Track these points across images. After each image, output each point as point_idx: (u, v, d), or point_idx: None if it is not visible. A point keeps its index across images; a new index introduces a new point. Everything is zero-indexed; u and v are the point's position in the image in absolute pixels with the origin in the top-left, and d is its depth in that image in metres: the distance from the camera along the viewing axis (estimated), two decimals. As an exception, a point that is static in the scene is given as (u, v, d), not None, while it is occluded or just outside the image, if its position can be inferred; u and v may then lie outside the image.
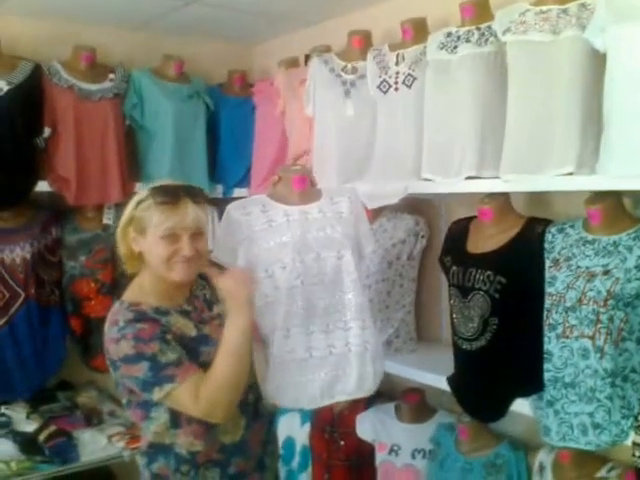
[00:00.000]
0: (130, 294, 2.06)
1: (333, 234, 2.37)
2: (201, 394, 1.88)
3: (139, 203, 2.02)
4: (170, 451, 2.04)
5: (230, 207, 2.41)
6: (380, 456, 2.77)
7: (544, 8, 2.18)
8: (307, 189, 2.47)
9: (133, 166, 3.42)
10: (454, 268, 2.41)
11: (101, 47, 3.36)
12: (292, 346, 2.29)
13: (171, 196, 1.98)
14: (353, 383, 2.35)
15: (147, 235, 2.00)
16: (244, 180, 3.58)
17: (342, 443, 2.89)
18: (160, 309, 2.01)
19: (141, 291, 2.06)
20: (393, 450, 2.72)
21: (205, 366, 1.94)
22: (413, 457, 2.68)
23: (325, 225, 2.38)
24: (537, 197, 2.53)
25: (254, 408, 2.18)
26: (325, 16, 3.38)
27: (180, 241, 1.98)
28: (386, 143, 2.72)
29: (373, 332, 2.40)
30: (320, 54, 3.01)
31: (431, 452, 2.64)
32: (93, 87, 3.25)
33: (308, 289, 2.31)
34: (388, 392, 2.94)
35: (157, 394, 1.89)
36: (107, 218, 3.33)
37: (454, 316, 2.38)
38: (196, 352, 1.99)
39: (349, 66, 2.90)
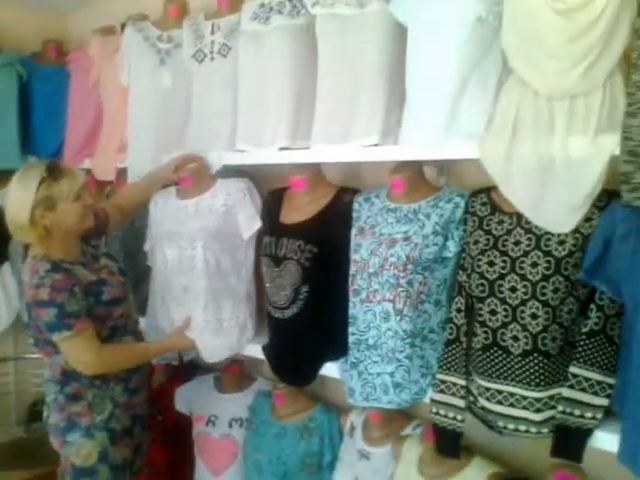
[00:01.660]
0: (39, 252, 2.25)
1: (193, 227, 2.50)
2: (102, 357, 2.24)
3: (39, 186, 2.17)
4: (82, 374, 2.27)
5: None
6: (197, 428, 2.71)
7: (350, -19, 2.18)
8: (193, 185, 2.58)
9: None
10: (267, 238, 2.38)
11: None
12: (163, 314, 2.64)
13: (59, 169, 2.23)
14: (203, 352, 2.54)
15: (58, 206, 2.20)
16: (59, 151, 3.39)
17: (160, 418, 2.80)
18: (66, 261, 2.25)
19: (48, 250, 2.24)
20: (210, 421, 2.67)
21: (108, 303, 2.29)
22: (230, 426, 2.65)
23: (193, 218, 2.53)
24: (349, 167, 2.54)
25: None
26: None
27: (82, 197, 2.25)
28: (202, 113, 2.64)
29: (209, 312, 2.49)
30: (135, 22, 2.87)
31: (248, 420, 2.62)
32: None
33: (172, 273, 2.54)
34: (209, 364, 2.88)
35: (56, 337, 2.18)
36: None
37: (267, 285, 2.35)
38: (100, 292, 2.28)
39: (165, 35, 2.79)
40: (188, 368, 2.88)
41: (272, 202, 2.49)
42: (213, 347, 2.52)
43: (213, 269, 2.48)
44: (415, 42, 1.97)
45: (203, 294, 2.48)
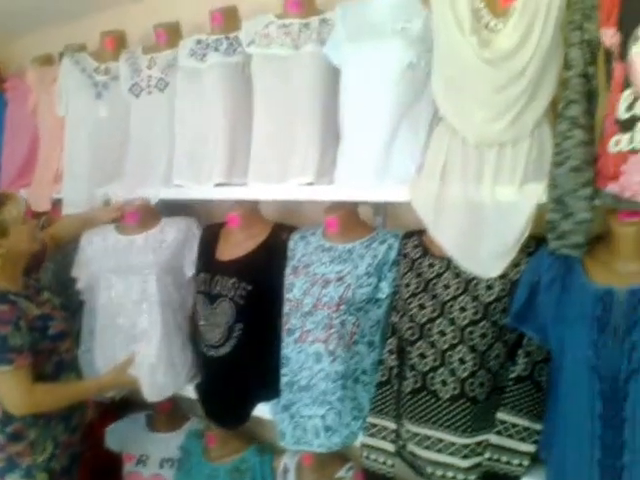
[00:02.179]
0: None
1: (145, 260, 2.44)
2: (31, 399, 2.14)
3: None
4: None
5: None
6: (128, 467, 2.64)
7: (287, 22, 2.18)
8: (139, 221, 2.53)
9: None
10: (202, 275, 2.35)
11: None
12: (103, 350, 2.51)
13: (3, 194, 2.26)
14: (147, 390, 2.41)
15: (10, 230, 2.17)
16: (-5, 179, 3.28)
17: (89, 455, 2.71)
18: (11, 292, 2.18)
19: None
20: (141, 460, 2.60)
21: (54, 338, 2.23)
22: (161, 466, 2.58)
23: (144, 252, 2.47)
24: (288, 203, 2.53)
25: None
26: (80, 13, 3.17)
27: (29, 220, 2.29)
28: (138, 147, 2.59)
29: (163, 348, 2.39)
30: (73, 53, 2.82)
31: (179, 461, 2.56)
32: None
33: (119, 308, 2.44)
34: (141, 401, 2.81)
35: None
36: None
37: (201, 323, 2.31)
38: (46, 327, 2.22)
39: (102, 67, 2.73)
40: (120, 405, 2.81)
41: (208, 238, 2.45)
42: (160, 385, 2.42)
43: (166, 304, 2.42)
44: (348, 85, 1.98)
45: (156, 329, 2.39)
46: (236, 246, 2.33)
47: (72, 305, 2.72)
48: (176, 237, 2.48)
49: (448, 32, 1.72)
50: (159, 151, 2.52)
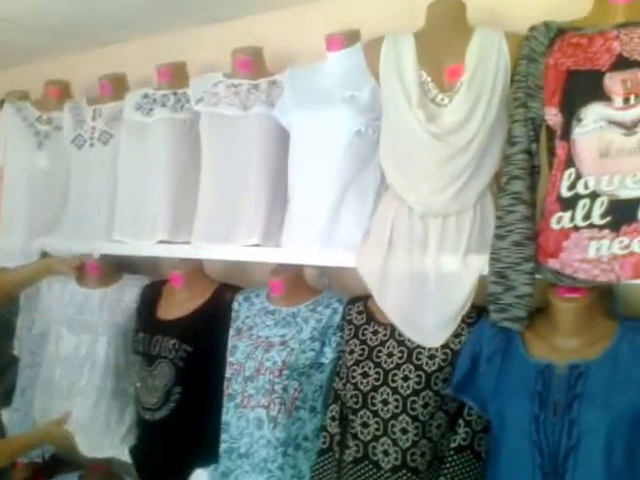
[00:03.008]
0: None
1: (100, 320, 2.43)
2: None
3: None
4: None
5: None
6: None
7: (236, 82, 2.22)
8: (99, 274, 2.54)
9: None
10: (140, 334, 2.32)
11: None
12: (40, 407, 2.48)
13: None
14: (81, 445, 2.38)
15: None
16: None
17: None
18: None
19: None
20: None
21: None
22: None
23: (100, 311, 2.46)
24: (232, 262, 2.53)
25: None
26: (24, 61, 3.17)
27: None
28: (79, 200, 2.58)
29: (99, 409, 2.38)
30: (14, 101, 2.81)
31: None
32: None
33: (64, 363, 2.42)
34: (75, 461, 2.74)
35: None
36: None
37: (138, 385, 2.27)
38: None
39: (44, 116, 2.73)
40: (51, 464, 2.74)
41: (149, 296, 2.44)
42: (94, 445, 2.40)
43: (112, 367, 2.41)
44: (297, 150, 2.02)
45: (95, 391, 2.38)
46: (178, 306, 2.32)
47: (5, 360, 2.68)
48: (133, 297, 2.47)
49: (396, 104, 1.77)
50: (100, 205, 2.52)
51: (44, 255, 2.61)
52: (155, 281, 2.50)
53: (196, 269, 2.37)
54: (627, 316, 1.71)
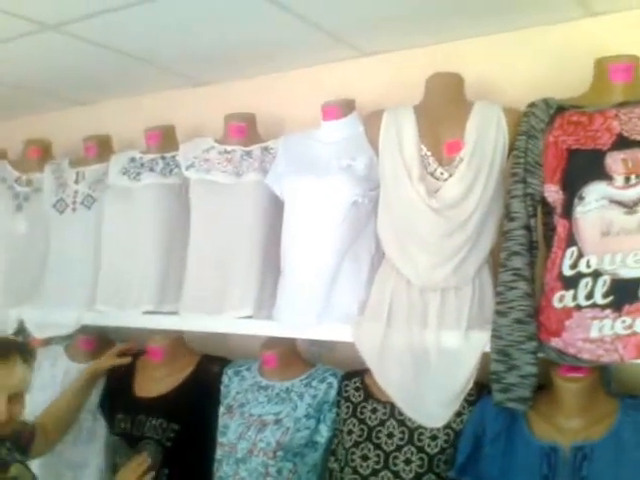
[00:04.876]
0: None
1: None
2: None
3: None
4: None
5: None
6: None
7: (228, 148, 2.31)
8: (93, 349, 2.58)
9: None
10: (120, 415, 2.32)
11: None
12: None
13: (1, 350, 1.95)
14: None
15: None
16: None
17: None
18: None
19: None
20: None
21: None
22: None
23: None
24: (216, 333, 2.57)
25: None
26: (1, 116, 3.24)
27: None
28: (60, 267, 2.62)
29: None
30: (-8, 161, 2.87)
31: None
32: None
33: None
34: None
35: None
36: None
37: (121, 470, 2.26)
38: None
39: (24, 177, 2.79)
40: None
41: (122, 371, 2.44)
42: None
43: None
44: (291, 219, 2.10)
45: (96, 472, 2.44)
46: (158, 381, 2.35)
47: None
48: None
49: (397, 177, 1.87)
50: (82, 272, 2.56)
51: (21, 325, 2.63)
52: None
53: (177, 340, 2.40)
54: (624, 394, 1.79)
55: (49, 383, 2.51)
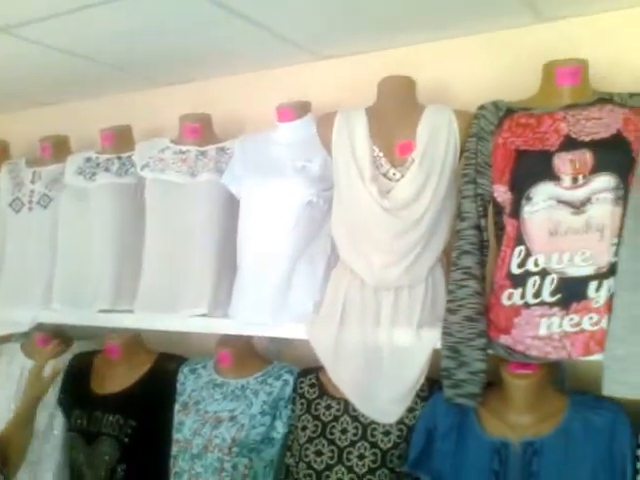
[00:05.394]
0: None
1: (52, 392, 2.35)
2: None
3: None
4: None
5: None
6: None
7: (183, 148, 2.24)
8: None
9: None
10: (76, 411, 2.27)
11: None
12: None
13: None
14: None
15: None
16: None
17: None
18: None
19: None
20: None
21: None
22: None
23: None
24: (173, 331, 2.51)
25: None
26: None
27: None
28: (15, 266, 2.53)
29: None
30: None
31: None
32: None
33: None
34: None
35: None
36: None
37: (77, 465, 2.22)
38: None
39: (-21, 177, 2.69)
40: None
41: (79, 368, 2.39)
42: None
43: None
44: (246, 219, 2.05)
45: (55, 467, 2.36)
46: (117, 378, 2.29)
47: None
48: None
49: (349, 178, 1.82)
50: (38, 271, 2.48)
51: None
52: (82, 352, 2.46)
53: (134, 338, 2.35)
54: (574, 390, 1.77)
55: (5, 381, 2.44)
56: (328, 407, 1.94)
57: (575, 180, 1.59)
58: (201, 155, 2.23)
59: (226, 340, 2.16)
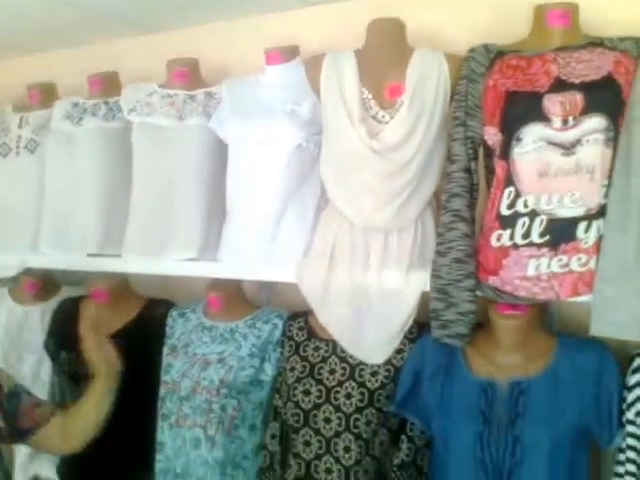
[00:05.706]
0: None
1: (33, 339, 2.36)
2: None
3: None
4: None
5: None
6: None
7: (171, 92, 2.18)
8: (37, 291, 2.47)
9: None
10: (63, 353, 2.22)
11: None
12: None
13: None
14: None
15: None
16: None
17: None
18: None
19: None
20: None
21: None
22: None
23: (42, 327, 2.37)
24: (163, 277, 2.45)
25: None
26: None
27: None
28: (3, 211, 2.46)
29: None
30: None
31: None
32: None
33: None
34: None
35: None
36: None
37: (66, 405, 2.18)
38: None
39: (-34, 123, 2.60)
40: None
41: (67, 314, 2.32)
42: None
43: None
44: (235, 162, 2.00)
45: None
46: (103, 323, 2.21)
47: None
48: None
49: (338, 120, 1.76)
50: (26, 216, 2.42)
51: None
52: (69, 298, 2.40)
53: (121, 284, 2.29)
54: (563, 331, 1.75)
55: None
56: (316, 349, 1.91)
57: (565, 122, 1.55)
58: (189, 99, 2.16)
59: (216, 284, 2.12)
